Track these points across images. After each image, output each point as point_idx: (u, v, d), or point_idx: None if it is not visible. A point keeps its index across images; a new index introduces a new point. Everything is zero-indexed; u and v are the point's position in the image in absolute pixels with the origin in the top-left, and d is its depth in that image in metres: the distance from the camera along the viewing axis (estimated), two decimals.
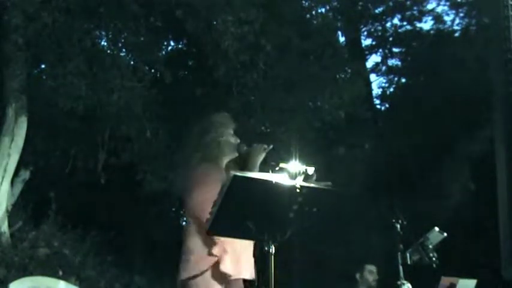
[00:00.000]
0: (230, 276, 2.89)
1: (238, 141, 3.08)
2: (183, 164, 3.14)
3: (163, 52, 8.47)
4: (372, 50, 12.85)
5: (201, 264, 2.86)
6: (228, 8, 6.56)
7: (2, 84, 6.52)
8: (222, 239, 2.85)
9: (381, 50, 12.67)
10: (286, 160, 2.62)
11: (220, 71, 6.88)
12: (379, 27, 12.34)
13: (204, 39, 6.95)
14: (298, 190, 2.30)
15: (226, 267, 2.86)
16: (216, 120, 3.15)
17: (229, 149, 3.07)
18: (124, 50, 7.32)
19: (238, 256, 2.91)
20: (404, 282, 3.74)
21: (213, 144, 3.05)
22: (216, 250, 2.85)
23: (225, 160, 3.07)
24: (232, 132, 3.12)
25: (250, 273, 2.97)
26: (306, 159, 2.57)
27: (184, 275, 2.88)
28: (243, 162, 3.00)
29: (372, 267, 5.52)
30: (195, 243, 2.88)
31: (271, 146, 2.98)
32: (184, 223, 3.40)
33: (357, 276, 5.52)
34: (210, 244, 2.86)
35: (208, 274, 2.86)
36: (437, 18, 11.84)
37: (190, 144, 3.12)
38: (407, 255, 3.60)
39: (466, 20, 11.53)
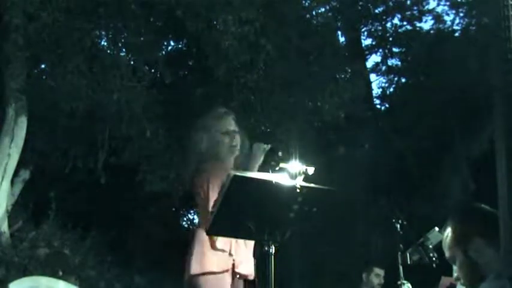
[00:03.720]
0: (247, 277, 2.91)
1: (235, 143, 3.08)
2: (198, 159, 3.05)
3: (163, 52, 8.47)
4: (372, 50, 12.83)
5: (220, 263, 2.86)
6: (228, 8, 6.55)
7: (2, 84, 6.51)
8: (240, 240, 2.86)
9: (380, 50, 12.65)
10: (286, 160, 2.62)
11: (220, 71, 6.87)
12: (379, 27, 12.31)
13: (204, 39, 6.95)
14: (298, 190, 2.30)
15: (246, 269, 2.90)
16: (217, 117, 3.14)
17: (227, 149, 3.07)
18: (124, 50, 7.32)
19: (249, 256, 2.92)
20: (404, 282, 3.74)
21: (221, 143, 3.06)
22: (234, 252, 2.87)
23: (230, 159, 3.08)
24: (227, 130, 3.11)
25: (252, 272, 2.98)
26: (306, 159, 2.57)
27: (198, 269, 2.84)
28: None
29: (379, 271, 5.50)
30: (216, 240, 2.86)
31: (269, 146, 2.97)
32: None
33: (363, 276, 5.52)
34: (229, 244, 2.88)
35: (224, 274, 2.87)
36: (437, 18, 11.81)
37: (202, 139, 3.07)
38: (407, 255, 3.60)
39: (466, 20, 11.51)
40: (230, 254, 2.87)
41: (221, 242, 2.85)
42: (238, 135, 3.09)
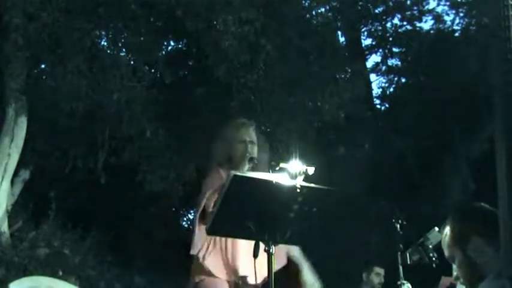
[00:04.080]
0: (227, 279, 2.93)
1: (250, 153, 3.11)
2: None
3: (163, 52, 8.47)
4: (372, 50, 12.83)
5: (198, 271, 2.97)
6: (228, 8, 6.55)
7: (2, 84, 6.51)
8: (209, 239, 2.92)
9: (380, 50, 12.65)
10: (286, 160, 2.62)
11: (220, 71, 6.87)
12: (379, 27, 12.31)
13: (204, 39, 6.95)
14: (298, 190, 2.30)
15: (217, 272, 2.92)
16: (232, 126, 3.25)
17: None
18: (124, 50, 7.32)
19: (229, 257, 2.93)
20: (404, 282, 3.74)
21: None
22: (200, 253, 2.93)
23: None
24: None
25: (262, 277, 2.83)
26: (306, 159, 2.57)
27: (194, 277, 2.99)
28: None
29: (379, 270, 5.48)
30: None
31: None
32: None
33: (364, 275, 5.51)
34: (197, 248, 2.95)
35: (211, 277, 2.91)
36: (437, 18, 11.81)
37: (218, 146, 3.23)
38: (407, 255, 3.60)
39: (466, 20, 11.51)
40: (197, 258, 2.94)
41: (195, 248, 2.94)
42: (255, 146, 3.12)
